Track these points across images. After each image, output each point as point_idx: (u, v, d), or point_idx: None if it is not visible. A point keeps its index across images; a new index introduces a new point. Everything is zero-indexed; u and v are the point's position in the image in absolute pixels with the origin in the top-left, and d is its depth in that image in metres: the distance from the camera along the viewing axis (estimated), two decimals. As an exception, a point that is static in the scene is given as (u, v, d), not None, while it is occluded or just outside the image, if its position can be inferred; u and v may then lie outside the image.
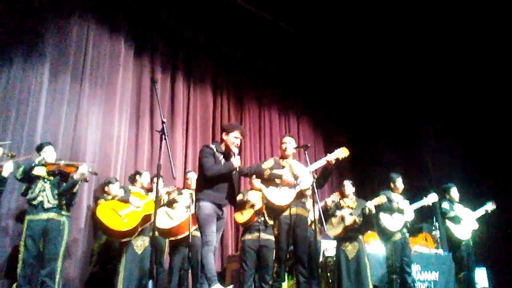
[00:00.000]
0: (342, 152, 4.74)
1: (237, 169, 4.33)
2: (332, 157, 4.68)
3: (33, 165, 4.80)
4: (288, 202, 4.44)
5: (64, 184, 4.88)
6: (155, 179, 5.75)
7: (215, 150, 4.26)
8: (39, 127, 5.84)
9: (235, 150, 4.30)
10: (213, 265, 3.98)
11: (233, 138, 4.33)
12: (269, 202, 4.53)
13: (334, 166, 4.76)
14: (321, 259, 6.50)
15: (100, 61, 6.71)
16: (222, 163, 4.24)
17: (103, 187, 5.99)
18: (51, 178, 4.86)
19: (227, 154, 4.28)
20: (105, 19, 6.91)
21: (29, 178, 4.79)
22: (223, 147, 4.36)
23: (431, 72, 9.60)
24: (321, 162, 4.72)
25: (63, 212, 4.85)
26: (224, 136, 4.39)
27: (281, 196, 4.46)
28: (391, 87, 10.36)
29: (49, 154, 4.94)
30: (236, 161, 4.22)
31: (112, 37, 6.94)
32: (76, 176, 4.87)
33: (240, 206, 5.44)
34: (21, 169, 4.78)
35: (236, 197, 4.47)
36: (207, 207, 4.08)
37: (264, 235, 5.43)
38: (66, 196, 4.90)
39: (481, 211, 6.73)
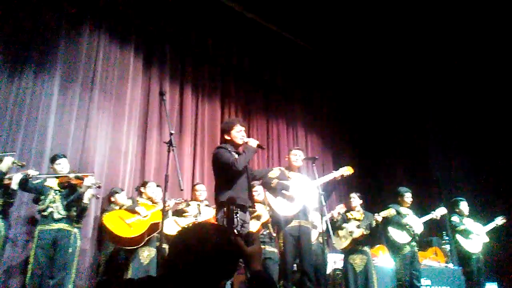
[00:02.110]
0: (347, 170, 4.95)
1: (262, 147, 4.14)
2: (337, 174, 4.89)
3: (29, 173, 4.71)
4: (293, 213, 4.42)
5: (71, 196, 4.87)
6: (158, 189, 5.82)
7: (229, 149, 3.98)
8: (49, 138, 5.87)
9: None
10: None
11: (236, 133, 4.05)
12: (275, 212, 4.49)
13: (342, 181, 4.82)
14: (329, 271, 6.45)
15: (109, 73, 6.77)
16: None
17: (109, 197, 5.99)
18: (62, 190, 4.87)
19: (239, 153, 4.03)
20: (115, 31, 6.99)
21: (26, 188, 4.75)
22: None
23: (441, 88, 9.58)
24: (327, 178, 4.82)
25: (74, 224, 4.86)
26: (227, 137, 4.10)
27: (287, 207, 4.43)
28: (401, 102, 10.35)
29: (62, 167, 4.94)
30: (252, 142, 4.01)
31: (122, 49, 7.02)
32: (81, 189, 4.88)
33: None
34: (17, 179, 4.67)
35: (253, 198, 4.25)
36: None
37: (269, 248, 5.39)
38: (74, 207, 4.90)
39: (491, 225, 6.66)
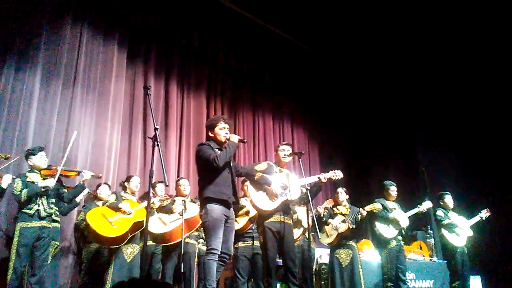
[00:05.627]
0: (336, 175, 4.88)
1: (244, 141, 4.27)
2: (325, 176, 4.82)
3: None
4: (272, 208, 4.37)
5: (72, 189, 5.04)
6: (157, 185, 5.85)
7: (212, 146, 4.05)
8: (30, 133, 5.75)
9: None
10: (214, 275, 3.79)
11: (219, 131, 4.14)
12: (254, 205, 4.46)
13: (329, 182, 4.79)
14: (314, 266, 6.46)
15: (92, 66, 6.65)
16: None
17: (94, 193, 5.90)
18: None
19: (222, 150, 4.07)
20: (98, 24, 6.86)
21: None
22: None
23: (427, 84, 9.66)
24: (313, 179, 4.82)
25: (55, 218, 4.80)
26: (211, 134, 4.20)
27: (267, 202, 4.40)
28: (387, 97, 10.41)
29: (45, 159, 4.86)
30: (234, 138, 4.10)
31: (105, 42, 6.89)
32: (82, 179, 5.05)
33: (235, 213, 5.38)
34: (25, 191, 4.56)
35: (237, 194, 4.27)
36: (215, 210, 3.86)
37: (257, 243, 5.35)
38: (59, 203, 4.92)
39: (475, 219, 6.71)
